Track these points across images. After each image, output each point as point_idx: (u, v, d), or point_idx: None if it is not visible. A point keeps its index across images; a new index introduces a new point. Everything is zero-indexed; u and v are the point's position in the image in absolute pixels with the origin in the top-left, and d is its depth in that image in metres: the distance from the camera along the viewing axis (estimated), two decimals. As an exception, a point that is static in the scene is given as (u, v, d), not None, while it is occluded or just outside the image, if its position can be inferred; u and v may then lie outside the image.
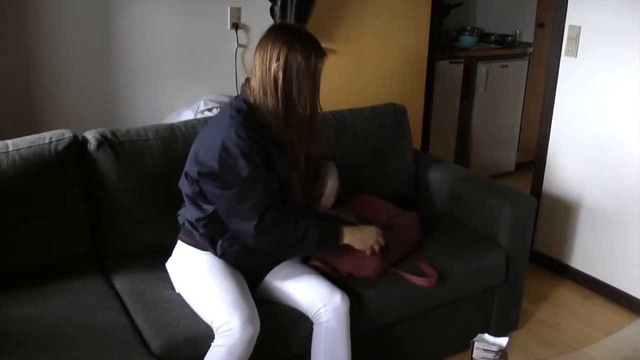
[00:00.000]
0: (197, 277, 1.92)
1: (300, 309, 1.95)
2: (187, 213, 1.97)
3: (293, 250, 1.97)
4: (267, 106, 1.87)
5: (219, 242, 1.92)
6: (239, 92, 2.01)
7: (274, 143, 1.88)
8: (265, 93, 1.86)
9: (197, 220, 1.92)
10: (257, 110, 1.88)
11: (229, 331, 1.73)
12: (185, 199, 1.98)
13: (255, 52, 1.90)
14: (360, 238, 2.01)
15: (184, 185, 1.96)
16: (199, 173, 1.85)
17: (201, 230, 1.92)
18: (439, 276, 2.19)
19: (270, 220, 1.83)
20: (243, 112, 1.86)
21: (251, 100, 1.90)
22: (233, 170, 1.80)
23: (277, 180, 1.88)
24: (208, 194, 1.89)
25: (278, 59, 1.83)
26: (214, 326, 1.78)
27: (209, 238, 1.93)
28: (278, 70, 1.83)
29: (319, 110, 1.96)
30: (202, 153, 1.86)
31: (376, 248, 2.03)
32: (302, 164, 1.98)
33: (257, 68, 1.87)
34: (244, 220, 1.83)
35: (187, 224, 1.97)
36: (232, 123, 1.83)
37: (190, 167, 1.92)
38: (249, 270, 1.98)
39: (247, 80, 1.96)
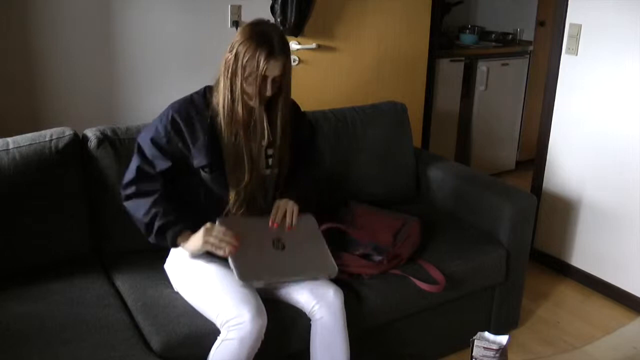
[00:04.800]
0: (198, 274, 1.92)
1: (297, 306, 1.95)
2: None
3: (145, 230, 1.92)
4: (218, 92, 1.91)
5: None
6: None
7: (213, 130, 1.91)
8: (218, 80, 1.92)
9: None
10: (213, 96, 1.94)
11: (240, 324, 1.74)
12: None
13: None
14: (192, 245, 1.90)
15: None
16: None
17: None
18: (447, 282, 2.18)
19: (131, 190, 1.92)
20: (198, 93, 1.97)
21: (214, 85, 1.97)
22: (148, 126, 1.95)
23: (170, 166, 1.91)
24: None
25: (231, 50, 1.87)
26: (220, 321, 1.78)
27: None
28: (228, 61, 1.87)
29: (257, 111, 1.89)
30: None
31: (215, 247, 1.86)
32: (246, 164, 1.92)
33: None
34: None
35: None
36: (183, 98, 1.97)
37: None
38: None
39: None
